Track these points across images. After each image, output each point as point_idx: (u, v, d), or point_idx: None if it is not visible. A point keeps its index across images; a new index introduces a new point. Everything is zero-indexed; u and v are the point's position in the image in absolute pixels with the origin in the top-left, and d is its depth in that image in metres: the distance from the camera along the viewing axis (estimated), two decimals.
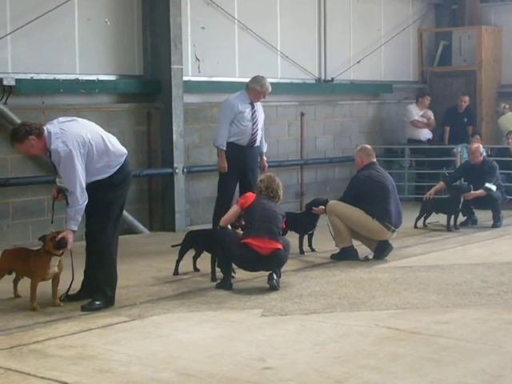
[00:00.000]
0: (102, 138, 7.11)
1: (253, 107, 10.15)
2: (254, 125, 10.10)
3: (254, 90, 10.13)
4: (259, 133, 10.20)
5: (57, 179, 7.06)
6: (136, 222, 11.24)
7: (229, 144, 10.07)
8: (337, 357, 5.64)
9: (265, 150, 10.59)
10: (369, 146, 9.86)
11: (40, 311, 6.98)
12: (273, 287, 7.77)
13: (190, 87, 11.91)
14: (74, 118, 7.27)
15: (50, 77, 10.49)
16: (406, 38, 16.09)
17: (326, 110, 14.42)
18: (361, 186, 9.44)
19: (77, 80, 10.78)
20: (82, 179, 6.86)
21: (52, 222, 7.26)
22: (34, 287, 7.08)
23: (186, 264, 8.65)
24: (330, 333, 6.30)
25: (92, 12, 10.99)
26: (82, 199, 6.87)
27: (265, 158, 10.58)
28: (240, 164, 10.06)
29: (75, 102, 10.71)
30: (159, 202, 11.76)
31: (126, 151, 7.31)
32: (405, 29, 15.92)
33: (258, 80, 10.22)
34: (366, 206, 9.30)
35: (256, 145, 10.21)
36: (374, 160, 9.69)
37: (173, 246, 8.92)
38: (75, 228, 6.96)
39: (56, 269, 7.14)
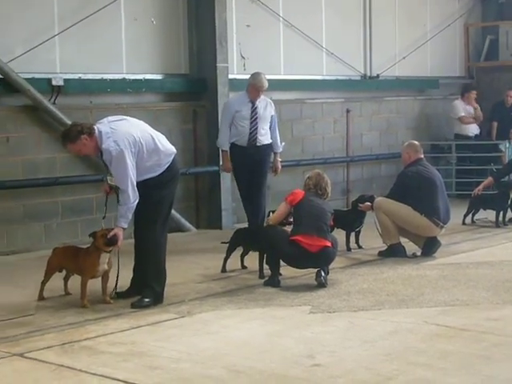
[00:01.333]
0: (152, 136, 7.16)
1: (253, 105, 10.01)
2: (252, 123, 9.98)
3: (250, 86, 10.04)
4: (260, 131, 10.04)
5: (108, 177, 7.13)
6: (183, 220, 11.30)
7: (232, 145, 10.08)
8: (386, 354, 5.62)
9: (280, 149, 10.41)
10: (416, 142, 9.79)
11: (90, 308, 7.05)
12: (321, 284, 7.76)
13: (236, 85, 11.92)
14: (124, 117, 7.32)
15: (98, 76, 10.61)
16: (451, 33, 15.94)
17: (371, 106, 14.36)
18: (408, 183, 9.37)
19: (124, 79, 10.89)
20: (133, 178, 6.91)
21: (104, 218, 7.32)
22: (85, 284, 7.16)
23: (234, 261, 8.68)
24: (378, 330, 6.28)
25: (138, 12, 11.08)
26: (133, 197, 6.92)
27: (278, 159, 10.44)
28: (243, 165, 10.04)
29: (122, 102, 10.81)
30: (206, 200, 11.81)
31: (174, 150, 7.35)
32: (450, 24, 15.77)
33: (253, 76, 10.12)
34: (414, 202, 9.24)
35: (260, 144, 10.07)
36: (422, 156, 9.63)
37: (222, 242, 8.95)
38: (125, 226, 7.02)
39: (106, 266, 7.21)
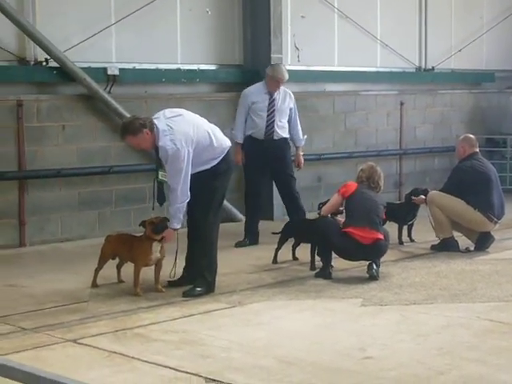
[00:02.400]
0: (208, 132, 7.16)
1: (271, 97, 9.65)
2: (269, 116, 9.58)
3: (269, 77, 9.68)
4: (278, 124, 9.62)
5: (160, 172, 7.11)
6: (234, 210, 11.31)
7: (247, 137, 9.68)
8: (438, 348, 5.58)
9: (302, 143, 10.04)
10: (472, 136, 9.66)
11: (143, 296, 7.11)
12: (372, 277, 7.73)
13: (290, 76, 11.88)
14: (180, 111, 7.24)
15: (153, 66, 10.68)
16: (509, 26, 15.67)
17: (426, 99, 14.22)
18: (463, 177, 9.27)
19: (178, 70, 10.94)
20: (186, 178, 6.90)
21: (153, 209, 7.37)
22: (138, 272, 7.22)
23: (285, 253, 8.68)
24: (430, 324, 6.24)
25: (193, 2, 11.12)
26: (182, 198, 6.91)
27: (301, 153, 10.06)
28: (259, 158, 9.62)
29: (176, 92, 10.86)
30: None
31: (229, 143, 7.37)
32: (508, 16, 15.52)
33: (272, 67, 9.84)
34: (468, 196, 9.14)
35: (278, 137, 9.64)
36: (477, 150, 9.52)
37: (273, 233, 8.96)
38: (177, 226, 7.05)
39: (158, 255, 7.26)
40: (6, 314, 6.53)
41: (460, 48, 14.66)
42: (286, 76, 9.67)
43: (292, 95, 9.89)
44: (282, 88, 9.75)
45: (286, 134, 9.78)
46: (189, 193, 6.95)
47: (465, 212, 9.17)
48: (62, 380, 3.01)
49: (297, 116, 9.95)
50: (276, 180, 10.07)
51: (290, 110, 9.85)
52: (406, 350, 5.57)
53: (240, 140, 9.70)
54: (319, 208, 8.67)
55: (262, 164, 9.71)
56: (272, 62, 11.36)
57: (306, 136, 10.16)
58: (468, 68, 15.01)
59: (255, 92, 9.73)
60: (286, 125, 9.79)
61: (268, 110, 9.62)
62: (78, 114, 10.02)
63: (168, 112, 7.18)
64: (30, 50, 9.71)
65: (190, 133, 6.98)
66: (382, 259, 8.03)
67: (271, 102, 9.64)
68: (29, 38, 9.57)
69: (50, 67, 9.79)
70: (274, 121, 9.62)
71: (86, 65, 9.99)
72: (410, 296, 7.13)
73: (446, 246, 9.24)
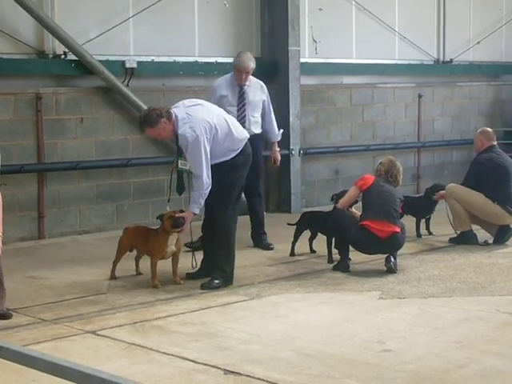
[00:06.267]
0: (226, 121, 7.18)
1: (240, 89, 8.83)
2: (240, 110, 8.78)
3: (235, 68, 8.88)
4: (250, 119, 8.80)
5: (179, 161, 7.13)
6: None
7: None
8: (457, 341, 5.56)
9: (278, 138, 9.29)
10: (489, 129, 9.60)
11: (161, 288, 7.14)
12: (390, 270, 7.72)
13: (307, 69, 11.90)
14: (199, 101, 7.31)
15: (171, 59, 10.70)
16: None
17: (444, 91, 14.17)
18: (481, 169, 9.23)
19: (196, 62, 10.95)
20: (208, 164, 6.93)
21: (169, 201, 7.39)
22: (154, 265, 7.24)
23: (303, 245, 8.68)
24: (449, 317, 6.22)
25: None
26: (207, 184, 6.95)
27: (277, 149, 9.31)
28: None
29: (194, 84, 10.87)
30: (275, 184, 11.82)
31: (247, 135, 7.38)
32: None
33: (237, 56, 8.98)
34: (487, 189, 9.10)
35: (251, 133, 8.08)
36: (495, 143, 9.47)
37: (288, 224, 8.95)
38: (197, 211, 7.07)
39: (173, 248, 7.27)
40: (26, 306, 6.57)
41: (479, 40, 14.59)
42: (250, 65, 8.79)
43: (265, 87, 9.08)
44: (254, 79, 8.99)
45: (258, 130, 8.98)
46: (211, 180, 6.96)
47: (484, 205, 9.13)
48: (86, 370, 3.03)
49: (271, 109, 9.16)
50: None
51: (263, 102, 9.03)
52: (424, 343, 5.56)
53: None
54: (332, 199, 8.66)
55: None
56: (290, 55, 11.38)
57: (282, 130, 9.44)
58: (487, 60, 14.94)
59: (224, 84, 8.91)
60: (260, 119, 9.00)
61: (238, 104, 8.84)
62: (96, 107, 10.05)
63: (187, 101, 7.25)
64: (48, 43, 9.75)
65: (209, 120, 7.00)
66: (399, 252, 8.02)
67: (241, 95, 8.83)
68: (47, 32, 9.60)
69: (69, 60, 9.83)
70: (245, 115, 8.81)
71: (104, 58, 10.02)
72: (429, 289, 7.11)
73: (465, 239, 9.20)
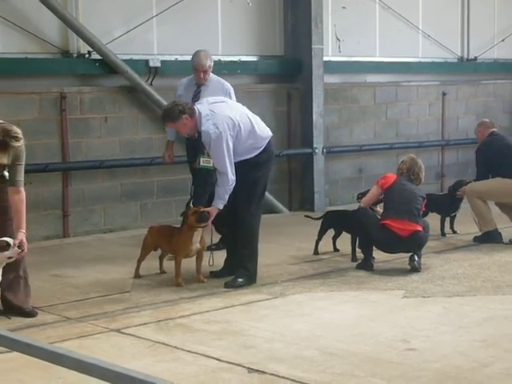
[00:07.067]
0: (250, 119, 7.19)
1: (197, 89, 8.51)
2: None
3: (192, 67, 8.54)
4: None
5: (202, 158, 7.16)
6: (276, 202, 11.33)
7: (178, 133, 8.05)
8: (482, 340, 5.54)
9: None
10: (487, 120, 9.89)
11: (185, 287, 7.16)
12: (414, 269, 7.70)
13: (330, 67, 11.88)
14: (223, 98, 7.36)
15: None
16: None
17: (468, 89, 14.10)
18: (486, 152, 9.37)
19: (219, 61, 10.92)
20: (232, 161, 6.95)
21: (190, 196, 7.39)
22: (178, 263, 7.27)
23: (326, 244, 8.68)
24: (473, 316, 6.19)
25: None
26: (231, 180, 6.96)
27: None
28: (190, 154, 8.58)
29: None
30: (298, 182, 11.82)
31: (270, 133, 7.39)
32: None
33: (193, 55, 8.61)
34: (499, 170, 9.25)
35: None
36: (494, 129, 9.64)
37: (306, 216, 8.95)
38: (221, 207, 7.08)
39: (198, 245, 7.28)
40: (51, 304, 6.62)
41: (503, 37, 14.50)
42: (207, 63, 8.43)
43: (227, 86, 8.59)
44: (215, 78, 8.62)
45: None
46: (235, 176, 6.97)
47: (504, 186, 9.23)
48: (113, 368, 3.04)
49: None
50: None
51: None
52: (448, 341, 5.54)
53: (171, 138, 8.85)
54: (358, 198, 8.67)
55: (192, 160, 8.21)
56: (313, 53, 11.36)
57: None
58: (511, 58, 14.83)
59: (184, 84, 8.71)
60: None
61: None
62: (120, 106, 10.10)
63: (211, 98, 7.28)
64: (73, 42, 9.82)
65: (232, 116, 7.02)
66: (423, 251, 7.99)
67: (195, 94, 8.45)
68: (72, 31, 9.66)
69: (93, 60, 9.88)
70: None
71: (127, 57, 10.07)
72: (453, 288, 7.09)
73: (489, 238, 9.17)
